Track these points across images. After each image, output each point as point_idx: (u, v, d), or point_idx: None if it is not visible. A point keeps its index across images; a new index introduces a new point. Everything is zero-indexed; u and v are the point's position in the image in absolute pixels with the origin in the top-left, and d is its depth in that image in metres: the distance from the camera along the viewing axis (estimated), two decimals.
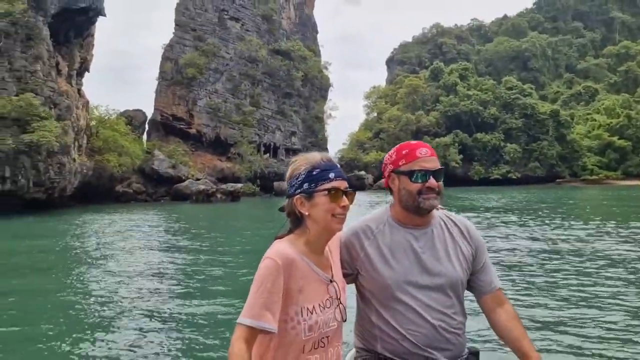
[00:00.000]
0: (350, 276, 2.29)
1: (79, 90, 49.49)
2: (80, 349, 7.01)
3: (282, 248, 1.94)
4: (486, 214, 28.24)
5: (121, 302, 9.79)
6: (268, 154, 75.95)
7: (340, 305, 2.03)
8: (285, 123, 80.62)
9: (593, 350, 6.27)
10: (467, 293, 2.36)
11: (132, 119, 63.92)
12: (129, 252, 16.93)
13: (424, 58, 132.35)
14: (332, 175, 1.96)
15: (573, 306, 8.38)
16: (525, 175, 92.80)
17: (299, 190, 1.96)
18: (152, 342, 7.21)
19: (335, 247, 2.19)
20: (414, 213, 2.23)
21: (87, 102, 51.95)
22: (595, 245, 15.08)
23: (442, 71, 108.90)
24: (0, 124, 32.69)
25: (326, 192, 1.93)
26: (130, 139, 56.44)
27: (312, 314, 1.93)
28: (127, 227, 25.75)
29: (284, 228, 2.06)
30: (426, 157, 2.18)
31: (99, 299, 10.13)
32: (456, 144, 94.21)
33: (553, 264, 12.35)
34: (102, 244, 19.06)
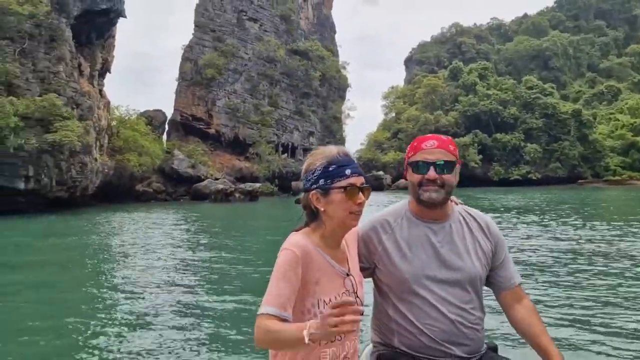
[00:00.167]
0: (368, 270, 2.28)
1: (100, 90, 50.21)
2: (107, 341, 7.10)
3: (298, 239, 1.95)
4: (506, 214, 27.92)
5: (144, 295, 9.91)
6: (286, 154, 76.16)
7: (357, 299, 2.01)
8: (303, 123, 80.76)
9: (616, 351, 6.15)
10: (487, 290, 2.34)
11: (152, 119, 64.69)
12: (150, 249, 17.11)
13: (442, 58, 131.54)
14: (348, 171, 1.93)
15: (596, 305, 8.22)
16: (546, 175, 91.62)
17: (315, 186, 1.96)
18: (175, 334, 7.28)
19: (352, 241, 2.18)
20: (420, 205, 2.22)
21: (108, 102, 52.70)
22: (620, 246, 14.80)
23: (461, 71, 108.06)
24: (24, 124, 33.24)
25: (342, 189, 1.91)
26: (150, 139, 57.08)
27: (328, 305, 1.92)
28: (147, 225, 26.04)
29: (301, 221, 2.07)
30: (430, 148, 2.14)
31: (123, 292, 10.27)
32: (475, 144, 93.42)
33: (576, 264, 12.15)
34: (124, 241, 19.30)
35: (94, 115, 42.99)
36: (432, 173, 2.12)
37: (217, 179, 58.61)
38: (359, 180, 1.94)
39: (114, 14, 48.23)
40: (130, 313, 8.64)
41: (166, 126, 71.58)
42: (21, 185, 33.91)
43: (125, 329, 7.71)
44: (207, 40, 75.17)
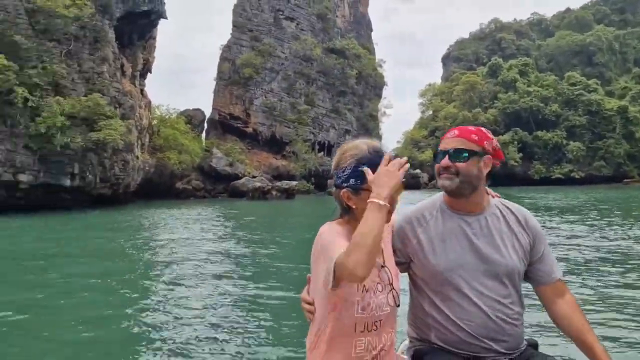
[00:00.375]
0: (404, 265, 2.25)
1: (141, 90, 51.45)
2: (157, 329, 7.32)
3: (334, 226, 1.96)
4: (549, 213, 27.19)
5: (189, 286, 10.24)
6: (322, 152, 76.27)
7: (393, 290, 2.00)
8: (339, 121, 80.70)
9: None
10: (527, 286, 2.27)
11: (192, 118, 65.90)
12: (191, 243, 17.46)
13: (481, 54, 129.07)
14: None
15: None
16: (590, 174, 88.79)
17: (346, 185, 1.94)
18: (219, 323, 7.48)
19: (387, 235, 2.15)
20: (449, 196, 2.20)
21: (149, 102, 53.96)
22: None
23: (500, 67, 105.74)
24: (70, 123, 34.35)
25: None
26: (189, 138, 58.14)
27: (366, 292, 1.91)
28: (188, 222, 26.57)
29: (336, 213, 2.06)
30: (449, 138, 2.16)
31: (170, 284, 10.62)
32: (515, 142, 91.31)
33: (624, 264, 11.73)
34: (166, 236, 19.75)
35: (135, 115, 44.08)
36: (444, 161, 2.12)
37: (254, 177, 59.23)
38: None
39: (154, 15, 49.32)
40: (175, 303, 8.91)
41: (205, 125, 72.81)
42: (67, 182, 35.09)
43: (172, 318, 7.94)
44: (245, 40, 75.99)
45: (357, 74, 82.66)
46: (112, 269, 12.76)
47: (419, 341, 2.29)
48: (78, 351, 6.58)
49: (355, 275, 1.71)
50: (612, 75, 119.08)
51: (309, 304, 2.05)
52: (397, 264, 2.17)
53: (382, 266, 2.01)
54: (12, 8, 36.16)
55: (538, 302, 2.30)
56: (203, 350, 6.41)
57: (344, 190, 1.94)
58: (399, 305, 2.02)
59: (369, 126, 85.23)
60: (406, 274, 2.30)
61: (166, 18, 51.05)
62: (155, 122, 55.24)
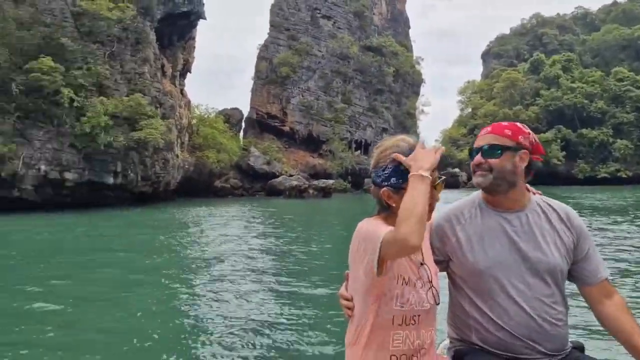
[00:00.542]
0: (442, 263, 2.21)
1: (181, 90, 52.45)
2: (202, 319, 7.45)
3: (373, 221, 1.95)
4: (595, 213, 26.26)
5: (225, 280, 10.49)
6: (359, 151, 76.06)
7: (433, 288, 1.98)
8: (376, 119, 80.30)
9: None
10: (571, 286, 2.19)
11: (230, 117, 66.82)
12: (231, 240, 17.76)
13: (522, 50, 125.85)
14: None
15: None
16: (638, 174, 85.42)
17: (386, 184, 1.94)
18: (261, 315, 7.63)
19: (425, 233, 2.07)
20: (486, 194, 2.18)
21: (189, 101, 54.95)
22: None
23: (543, 63, 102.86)
24: (113, 122, 35.29)
25: None
26: (228, 137, 58.95)
27: (406, 285, 1.91)
28: (228, 219, 27.03)
29: (374, 211, 2.05)
30: (482, 135, 2.17)
31: (206, 278, 10.92)
32: (558, 140, 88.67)
33: None
34: (205, 233, 20.13)
35: (175, 114, 44.95)
36: (477, 158, 2.12)
37: (291, 176, 59.58)
38: (434, 177, 1.91)
39: (194, 16, 50.17)
40: (216, 297, 9.12)
41: (243, 124, 73.71)
42: (110, 180, 36.07)
43: (213, 312, 8.12)
44: (282, 39, 76.48)
45: (394, 72, 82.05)
46: (155, 264, 13.11)
47: (459, 341, 2.24)
48: (123, 341, 6.77)
49: (408, 243, 1.71)
50: None
51: (348, 300, 2.04)
52: (436, 262, 2.14)
53: (422, 264, 1.99)
54: (58, 11, 37.43)
55: (584, 303, 2.22)
56: (243, 343, 6.52)
57: (385, 189, 1.94)
58: (438, 304, 1.99)
59: (407, 124, 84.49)
60: (445, 272, 2.26)
61: (205, 19, 51.91)
62: (194, 121, 56.22)
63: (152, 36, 43.28)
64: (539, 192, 2.29)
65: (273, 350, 6.26)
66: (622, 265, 11.31)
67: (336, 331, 6.74)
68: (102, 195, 36.04)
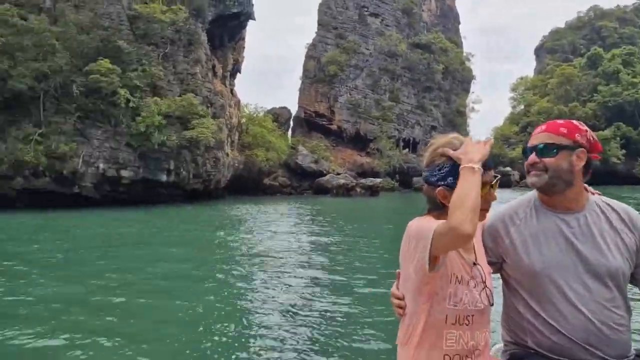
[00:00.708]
0: (495, 265, 2.16)
1: (231, 90, 53.46)
2: (255, 312, 7.58)
3: (424, 219, 1.93)
4: None
5: (274, 276, 10.62)
6: (407, 149, 75.32)
7: (487, 289, 1.94)
8: (425, 117, 79.27)
9: None
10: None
11: (278, 116, 67.59)
12: (279, 235, 18.00)
13: (578, 45, 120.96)
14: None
15: None
16: None
17: (442, 183, 1.90)
18: (305, 314, 7.63)
19: (477, 231, 2.07)
20: (542, 194, 2.12)
21: (239, 101, 55.94)
22: None
23: (601, 57, 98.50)
24: (166, 121, 36.38)
25: None
26: (276, 135, 59.63)
27: (459, 284, 1.88)
28: (275, 216, 27.34)
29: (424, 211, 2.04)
30: (536, 133, 2.11)
31: (256, 272, 11.12)
32: (617, 138, 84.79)
33: None
34: (255, 229, 20.49)
35: (225, 113, 45.86)
36: (531, 157, 2.07)
37: (338, 174, 59.67)
38: (490, 176, 1.90)
39: (244, 17, 51.02)
40: (265, 292, 9.25)
41: (291, 123, 74.40)
42: (163, 177, 37.21)
43: (262, 306, 8.28)
44: (330, 37, 76.64)
45: (443, 69, 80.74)
46: (208, 258, 13.52)
47: (513, 345, 2.18)
48: (182, 332, 7.02)
49: (462, 232, 1.68)
50: None
51: (399, 299, 2.03)
52: (489, 263, 2.10)
53: (475, 264, 1.96)
54: (115, 15, 38.94)
55: None
56: (295, 338, 6.58)
57: (440, 188, 1.91)
58: (492, 304, 1.96)
59: (456, 122, 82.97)
60: (497, 274, 2.23)
61: (254, 19, 52.68)
62: (244, 120, 57.20)
63: (204, 37, 44.32)
64: (598, 192, 2.22)
65: (325, 346, 6.31)
66: None
67: (388, 329, 6.72)
68: (156, 193, 37.23)
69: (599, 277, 2.01)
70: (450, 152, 1.88)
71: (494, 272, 2.15)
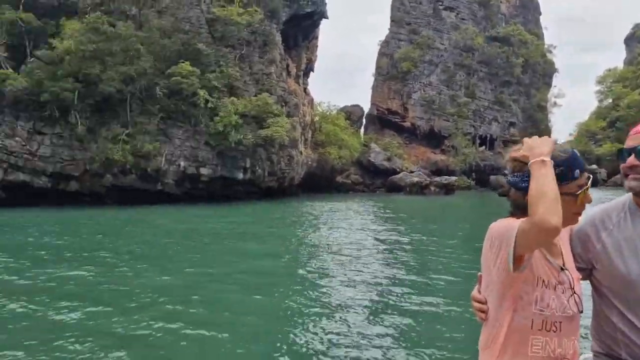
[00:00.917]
0: (584, 271, 2.03)
1: (305, 89, 54.14)
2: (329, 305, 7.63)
3: (507, 219, 1.83)
4: None
5: (350, 270, 10.76)
6: (484, 146, 73.05)
7: (575, 295, 1.84)
8: (503, 113, 76.47)
9: None
10: None
11: (351, 114, 67.69)
12: (354, 232, 18.08)
13: None
14: (577, 173, 1.79)
15: None
16: None
17: None
18: (385, 311, 7.61)
19: (565, 237, 2.00)
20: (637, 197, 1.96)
21: (312, 99, 56.56)
22: None
23: None
24: (242, 121, 37.46)
25: (570, 194, 1.78)
26: (349, 133, 59.79)
27: (546, 288, 1.80)
28: (348, 213, 27.47)
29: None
30: (634, 134, 1.94)
31: (331, 267, 11.27)
32: None
33: None
34: (328, 225, 20.72)
35: (299, 112, 46.52)
36: (630, 159, 1.91)
37: (412, 172, 58.95)
38: (585, 179, 1.81)
39: (317, 16, 51.46)
40: (340, 286, 9.35)
41: (364, 120, 74.29)
42: (240, 175, 38.36)
43: (339, 297, 8.37)
44: (403, 33, 75.75)
45: (523, 62, 77.46)
46: (283, 254, 13.82)
47: (605, 356, 2.05)
48: (257, 322, 7.28)
49: (547, 225, 1.60)
50: None
51: (481, 302, 1.96)
52: (578, 269, 1.98)
53: (562, 269, 1.86)
54: (195, 19, 40.56)
55: None
56: (373, 337, 6.58)
57: None
58: (581, 312, 1.86)
59: (537, 118, 79.32)
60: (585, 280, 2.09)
61: (327, 18, 52.98)
62: (317, 118, 57.78)
63: (278, 38, 45.16)
64: None
65: (405, 347, 6.28)
66: None
67: (468, 332, 6.56)
68: (232, 190, 38.45)
69: None
70: (517, 154, 1.81)
71: (583, 279, 2.03)
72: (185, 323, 7.14)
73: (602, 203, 2.14)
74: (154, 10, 40.39)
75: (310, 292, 9.18)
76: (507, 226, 1.76)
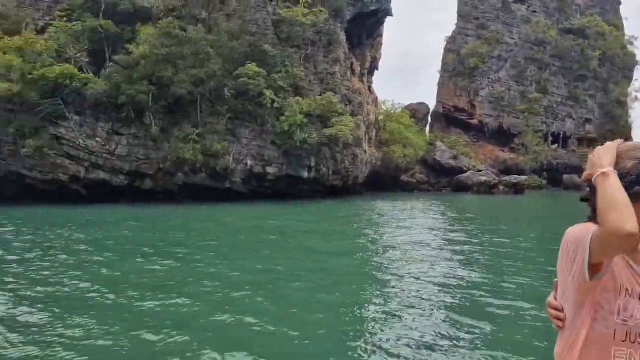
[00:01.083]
0: None
1: (369, 87, 53.94)
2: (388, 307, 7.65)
3: (585, 224, 1.74)
4: None
5: (421, 267, 10.58)
6: (557, 144, 69.84)
7: None
8: (577, 109, 72.73)
9: None
10: None
11: (416, 112, 66.74)
12: (420, 232, 17.90)
13: None
14: None
15: None
16: None
17: (630, 192, 1.66)
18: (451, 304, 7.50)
19: None
20: None
21: (376, 98, 56.28)
22: None
23: None
24: (307, 120, 37.87)
25: None
26: (414, 131, 59.02)
27: (630, 297, 1.70)
28: (414, 213, 27.18)
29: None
30: None
31: (396, 266, 11.06)
32: None
33: None
34: (393, 224, 20.55)
35: (363, 111, 46.42)
36: None
37: (479, 171, 57.36)
38: None
39: (382, 13, 51.11)
40: (406, 285, 9.30)
41: (429, 118, 73.06)
42: (305, 174, 38.84)
43: (404, 296, 8.35)
44: (470, 29, 73.79)
45: (600, 55, 73.25)
46: (348, 252, 13.93)
47: None
48: (321, 317, 7.37)
49: (622, 230, 1.51)
50: None
51: (558, 310, 1.88)
52: None
53: None
54: (261, 21, 41.43)
55: None
56: (442, 339, 6.53)
57: None
58: None
59: (615, 114, 74.75)
60: None
61: (392, 15, 52.50)
62: (381, 117, 57.43)
63: (343, 37, 45.25)
64: None
65: (475, 348, 6.21)
66: None
67: (544, 339, 6.36)
68: (298, 188, 38.98)
69: None
70: (587, 174, 1.72)
71: None
72: (254, 316, 7.38)
73: None
74: (222, 13, 41.62)
75: (378, 292, 9.21)
76: (583, 231, 1.71)
